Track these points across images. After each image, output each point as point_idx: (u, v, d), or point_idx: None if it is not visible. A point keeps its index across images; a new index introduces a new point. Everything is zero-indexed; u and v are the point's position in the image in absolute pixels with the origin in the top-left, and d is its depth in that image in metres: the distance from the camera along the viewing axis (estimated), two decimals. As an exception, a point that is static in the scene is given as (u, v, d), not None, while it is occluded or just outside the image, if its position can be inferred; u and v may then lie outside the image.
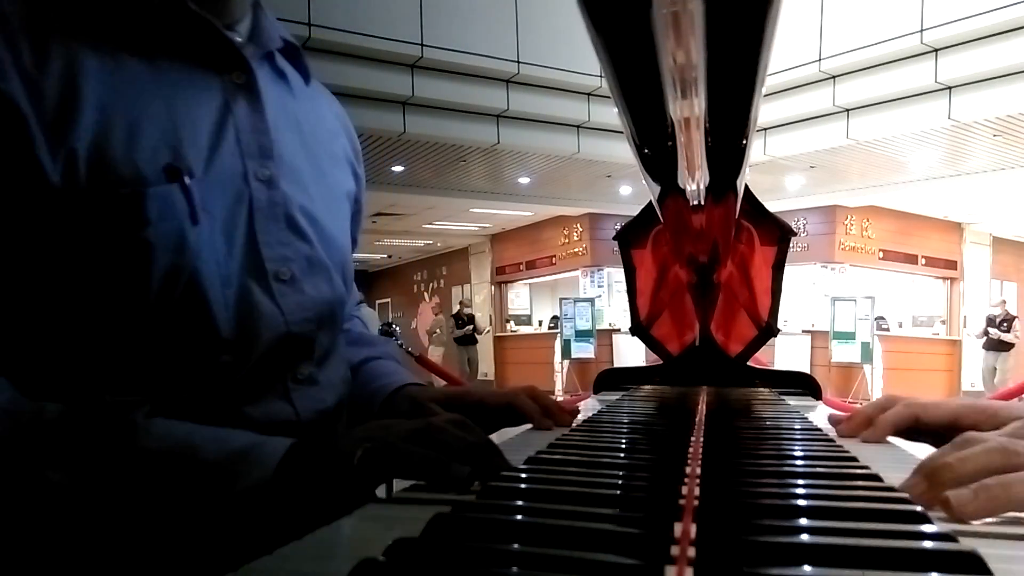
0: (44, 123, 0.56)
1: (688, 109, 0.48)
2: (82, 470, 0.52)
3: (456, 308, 13.06)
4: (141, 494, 0.53)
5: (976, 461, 0.43)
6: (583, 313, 10.81)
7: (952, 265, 11.79)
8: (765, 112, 6.57)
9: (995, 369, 9.98)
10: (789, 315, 9.47)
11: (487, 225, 12.85)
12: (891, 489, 0.45)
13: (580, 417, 0.85)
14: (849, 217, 10.68)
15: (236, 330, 0.64)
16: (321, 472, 0.52)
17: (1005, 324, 9.87)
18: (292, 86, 0.77)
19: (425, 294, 16.34)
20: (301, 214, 0.70)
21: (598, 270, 11.86)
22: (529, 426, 0.80)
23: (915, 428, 0.68)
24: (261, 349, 0.66)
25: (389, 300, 18.21)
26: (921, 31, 6.42)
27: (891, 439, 0.70)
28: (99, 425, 0.53)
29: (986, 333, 9.96)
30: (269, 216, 0.67)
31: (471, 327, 12.25)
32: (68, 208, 0.56)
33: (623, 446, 0.66)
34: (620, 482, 0.48)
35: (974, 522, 0.40)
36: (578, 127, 8.21)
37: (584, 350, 10.77)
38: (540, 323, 13.17)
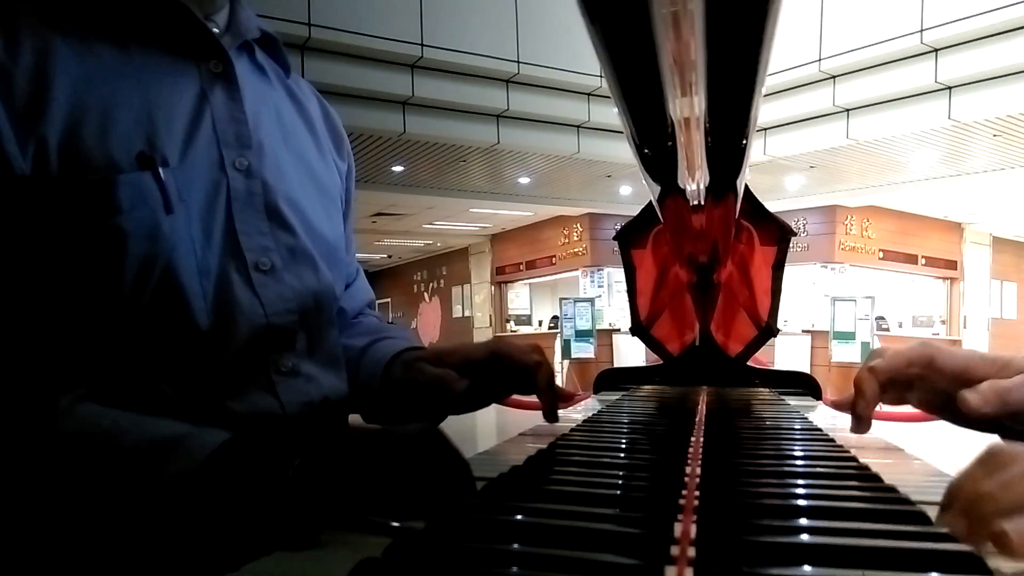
0: (13, 114, 0.56)
1: (688, 109, 0.48)
2: None
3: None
4: (58, 476, 0.52)
5: (1020, 487, 0.37)
6: (583, 313, 10.79)
7: (952, 265, 11.78)
8: (765, 112, 6.57)
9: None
10: (789, 315, 9.46)
11: (487, 225, 12.84)
12: (891, 489, 0.45)
13: (579, 417, 0.85)
14: (849, 217, 10.67)
15: (214, 321, 0.63)
16: (249, 470, 0.49)
17: None
18: (272, 79, 0.77)
19: (425, 294, 16.33)
20: (285, 203, 0.70)
21: (598, 270, 11.85)
22: (533, 422, 0.79)
23: (927, 371, 0.62)
24: (240, 340, 0.65)
25: (389, 300, 18.21)
26: (921, 31, 6.41)
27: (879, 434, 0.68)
28: (17, 408, 0.53)
29: None
30: (248, 205, 0.67)
31: None
32: (38, 196, 0.56)
33: (623, 446, 0.66)
34: (620, 482, 0.48)
35: None
36: (578, 127, 8.19)
37: (584, 350, 10.75)
38: (540, 323, 13.15)
